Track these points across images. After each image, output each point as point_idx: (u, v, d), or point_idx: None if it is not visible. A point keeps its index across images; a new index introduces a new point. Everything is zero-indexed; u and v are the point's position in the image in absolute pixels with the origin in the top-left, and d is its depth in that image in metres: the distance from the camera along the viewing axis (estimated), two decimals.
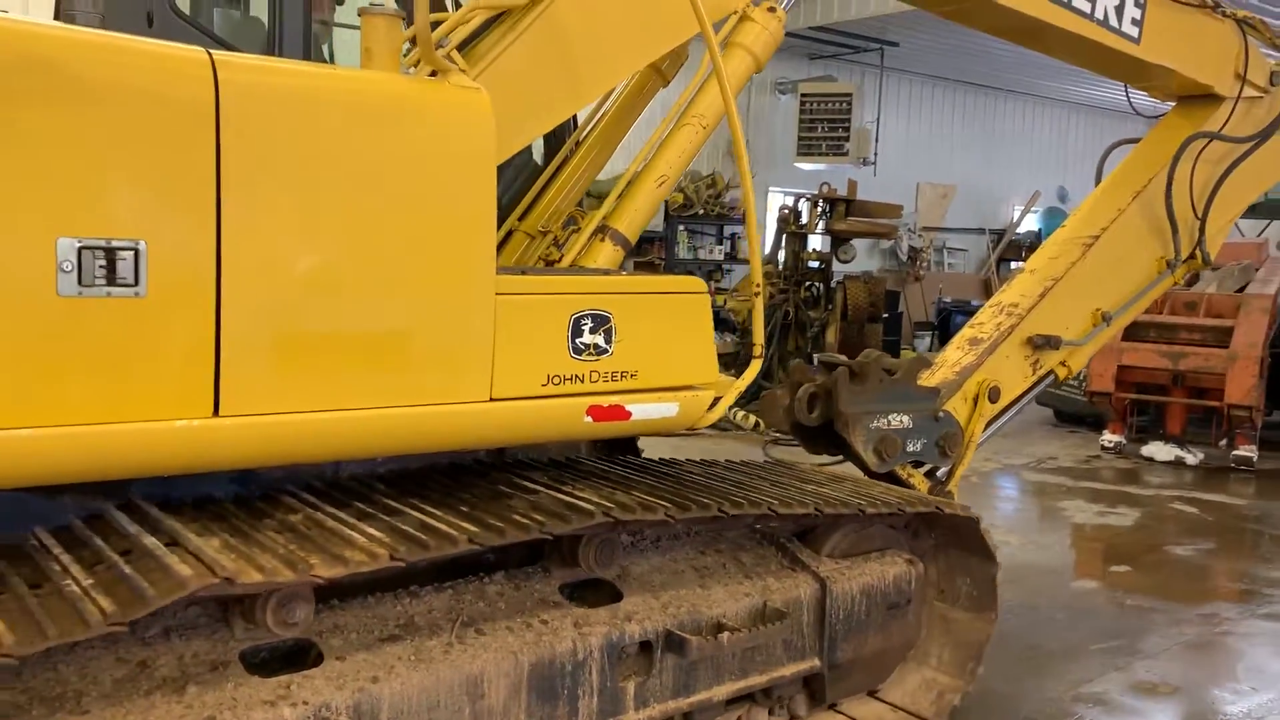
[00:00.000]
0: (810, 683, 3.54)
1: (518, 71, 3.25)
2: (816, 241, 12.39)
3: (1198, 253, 5.28)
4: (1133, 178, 5.28)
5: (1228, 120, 5.22)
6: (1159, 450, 10.31)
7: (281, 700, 2.43)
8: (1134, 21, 4.85)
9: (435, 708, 2.64)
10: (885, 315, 12.65)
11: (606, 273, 3.25)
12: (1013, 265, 18.22)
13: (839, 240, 12.06)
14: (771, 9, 3.76)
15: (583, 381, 2.84)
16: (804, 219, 11.95)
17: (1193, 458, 10.07)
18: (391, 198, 2.51)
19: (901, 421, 4.38)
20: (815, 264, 11.92)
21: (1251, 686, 4.70)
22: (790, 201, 12.28)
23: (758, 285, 3.32)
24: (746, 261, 13.50)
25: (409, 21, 2.75)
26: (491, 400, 2.70)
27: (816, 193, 12.09)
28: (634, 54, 3.56)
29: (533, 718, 2.82)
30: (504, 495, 2.99)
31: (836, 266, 12.02)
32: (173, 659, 2.40)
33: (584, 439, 3.24)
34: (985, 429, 4.73)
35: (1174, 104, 5.55)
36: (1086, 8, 4.66)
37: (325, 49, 3.91)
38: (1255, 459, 9.80)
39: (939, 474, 4.67)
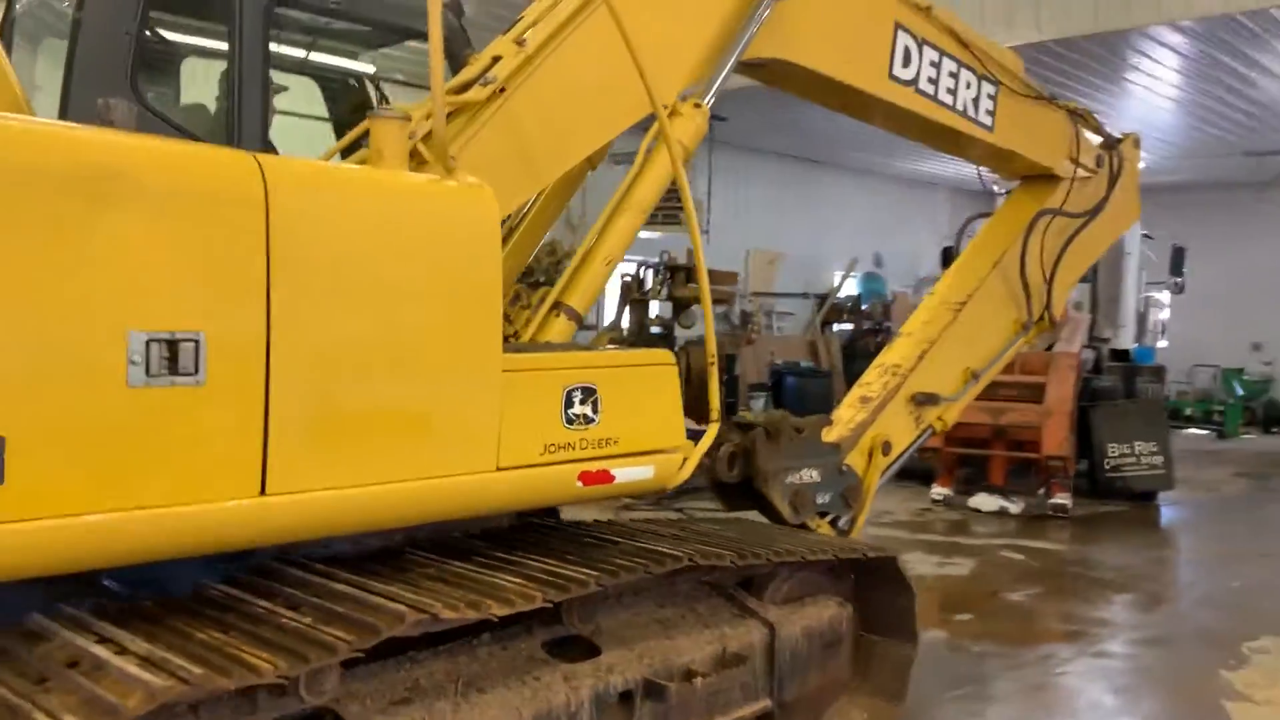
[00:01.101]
0: None
1: (481, 162, 3.46)
2: (657, 308, 12.78)
3: (1046, 314, 5.93)
4: (989, 249, 5.89)
5: (1066, 197, 5.91)
6: (984, 501, 11.05)
7: None
8: (988, 112, 5.46)
9: None
10: (724, 378, 13.18)
11: (589, 348, 3.48)
12: (834, 327, 19.23)
13: (681, 306, 12.47)
14: (697, 105, 4.10)
15: (574, 449, 3.05)
16: (647, 286, 12.34)
17: (1015, 507, 10.85)
18: (413, 286, 2.67)
19: (811, 476, 4.75)
20: (658, 330, 12.29)
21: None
22: (634, 269, 12.65)
23: (712, 356, 3.62)
24: (593, 327, 13.82)
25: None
26: (498, 470, 2.87)
27: (659, 260, 12.50)
28: (584, 142, 3.83)
29: None
30: (496, 566, 3.13)
31: (679, 332, 12.42)
32: None
33: (575, 502, 3.42)
34: (879, 479, 5.16)
35: (1018, 183, 6.22)
36: (950, 100, 5.23)
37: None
38: (1070, 506, 10.70)
39: (840, 523, 5.06)
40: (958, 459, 11.19)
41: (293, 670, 2.27)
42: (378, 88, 4.71)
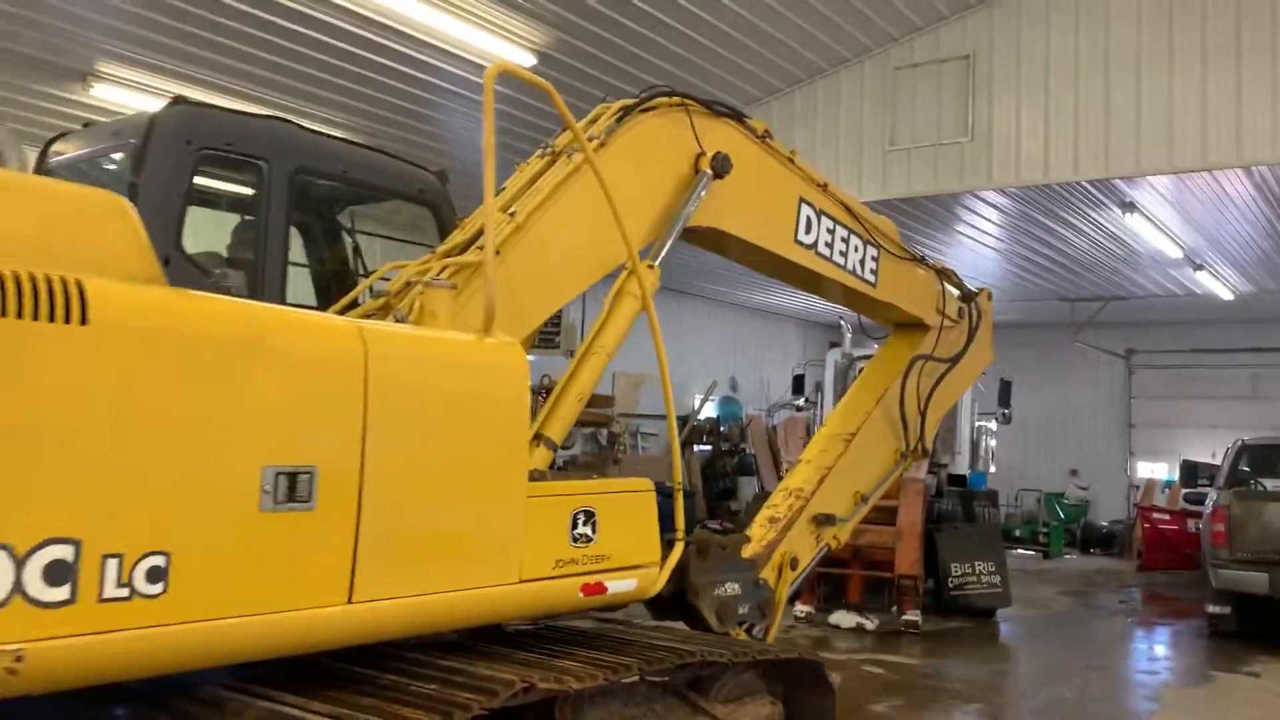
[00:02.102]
0: None
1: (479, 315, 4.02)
2: None
3: (920, 445, 6.77)
4: (872, 387, 6.73)
5: (936, 343, 6.83)
6: (843, 618, 11.77)
7: None
8: (872, 271, 6.35)
9: None
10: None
11: (587, 478, 4.03)
12: (695, 448, 20.05)
13: None
14: (651, 266, 4.78)
15: (578, 564, 3.57)
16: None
17: (870, 623, 11.61)
18: (462, 426, 3.18)
19: (734, 589, 5.33)
20: None
21: None
22: None
23: (678, 482, 4.21)
24: None
25: None
26: (521, 582, 3.37)
27: (539, 382, 13.03)
28: (563, 294, 4.44)
29: None
30: (514, 660, 3.57)
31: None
32: None
33: (577, 611, 3.89)
34: (788, 590, 5.79)
35: (892, 329, 7.12)
36: (842, 261, 6.09)
37: None
38: (920, 622, 11.55)
39: (755, 632, 5.64)
40: (818, 577, 11.87)
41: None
42: (353, 237, 5.23)
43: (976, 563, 12.46)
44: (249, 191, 4.21)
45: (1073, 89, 11.63)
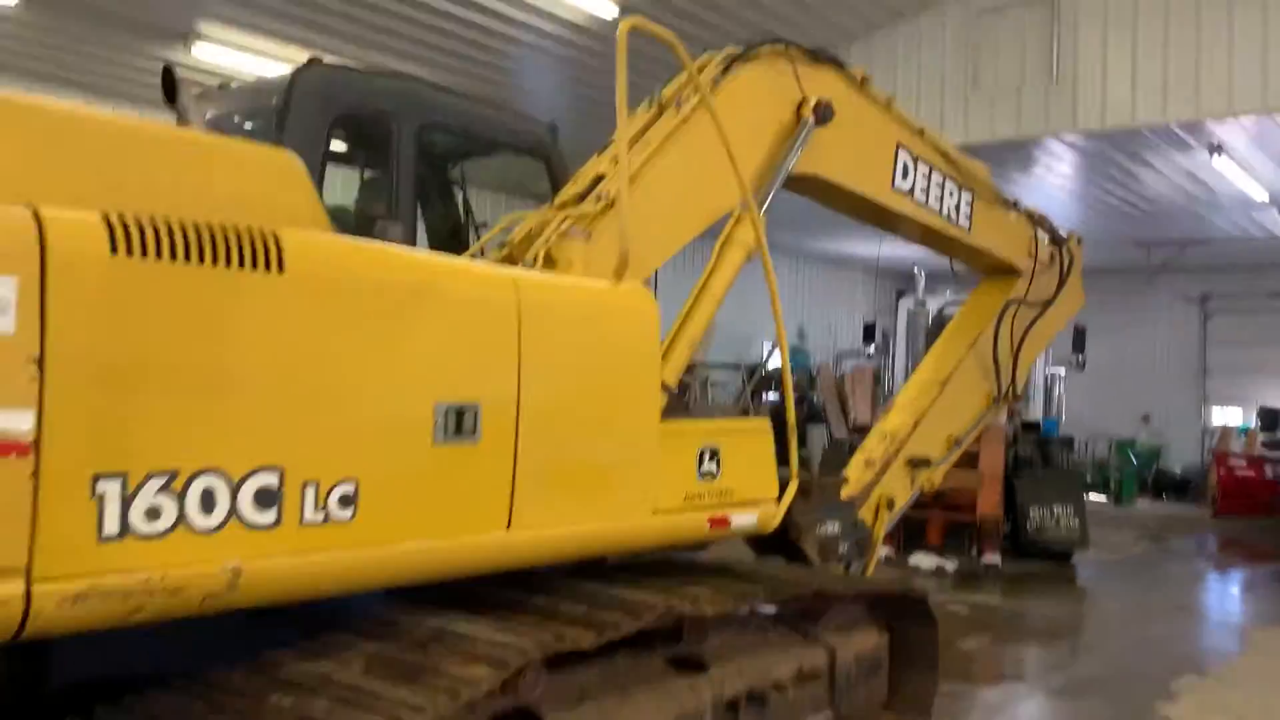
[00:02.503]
0: None
1: (596, 264, 4.18)
2: None
3: (1011, 389, 6.84)
4: (964, 333, 6.80)
5: (1028, 288, 6.87)
6: (923, 560, 11.93)
7: None
8: (966, 216, 6.40)
9: None
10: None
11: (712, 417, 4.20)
12: (765, 396, 20.16)
13: None
14: (754, 218, 4.89)
15: (704, 499, 3.76)
16: None
17: (950, 565, 11.77)
18: (603, 367, 3.38)
19: (834, 529, 5.50)
20: None
21: None
22: None
23: (793, 424, 4.37)
24: None
25: None
26: (654, 514, 3.57)
27: None
28: (672, 242, 4.57)
29: None
30: (647, 587, 3.77)
31: None
32: None
33: (703, 542, 4.09)
34: (883, 531, 5.95)
35: (983, 275, 7.17)
36: (938, 207, 6.15)
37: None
38: (999, 564, 11.67)
39: (852, 569, 5.81)
40: (900, 521, 12.04)
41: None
42: (464, 190, 5.41)
43: (1055, 506, 12.51)
44: (379, 148, 4.39)
45: (1162, 28, 11.40)
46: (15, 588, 2.11)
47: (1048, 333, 7.27)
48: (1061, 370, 18.23)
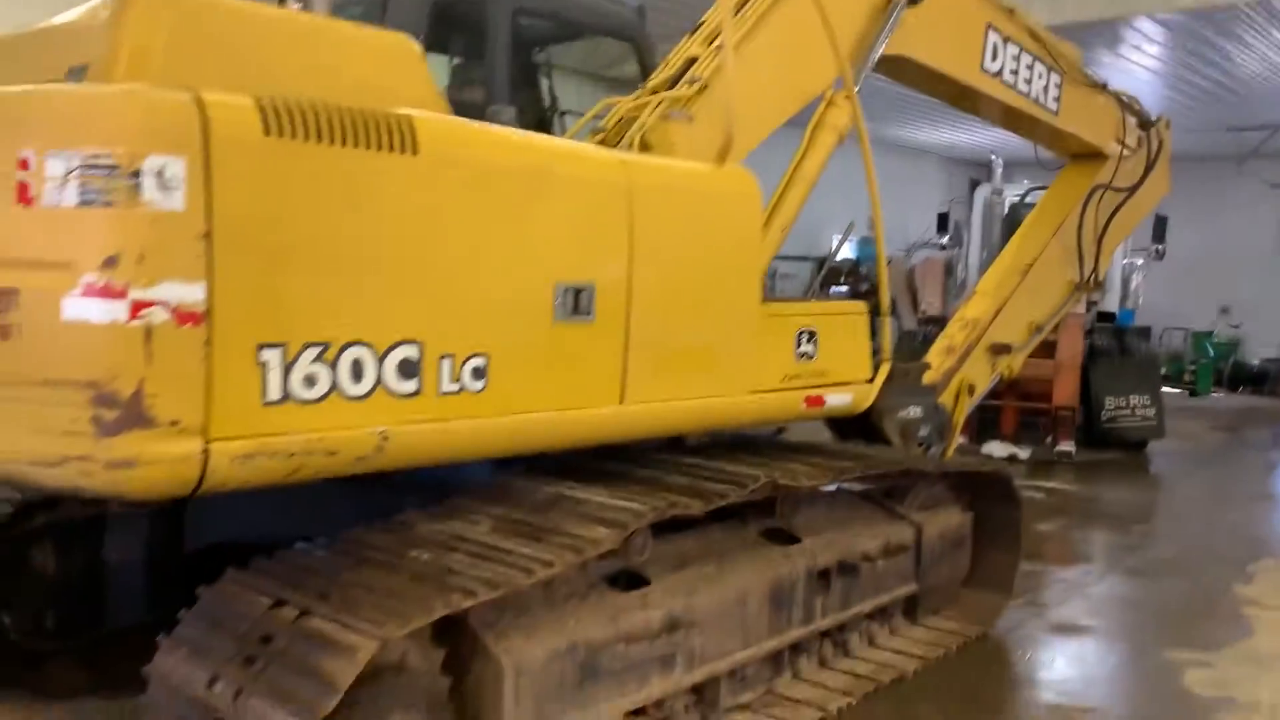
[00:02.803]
0: (907, 603, 4.69)
1: (691, 147, 4.25)
2: None
3: (1093, 275, 6.83)
4: (1048, 219, 6.77)
5: (1114, 173, 6.79)
6: (996, 448, 11.97)
7: (640, 608, 3.35)
8: (1055, 99, 6.32)
9: (724, 614, 3.62)
10: None
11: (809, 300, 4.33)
12: (833, 289, 20.08)
13: None
14: (849, 96, 4.91)
15: (801, 378, 3.90)
16: None
17: (1023, 453, 11.82)
18: (709, 249, 3.50)
19: (917, 412, 5.61)
20: None
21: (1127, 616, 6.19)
22: None
23: (885, 308, 4.46)
24: None
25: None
26: (753, 392, 3.71)
27: None
28: (766, 124, 4.59)
29: (767, 622, 3.84)
30: (744, 461, 3.94)
31: None
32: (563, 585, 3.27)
33: (799, 421, 4.25)
34: (963, 416, 6.06)
35: (1068, 159, 7.09)
36: (1026, 89, 6.08)
37: None
38: (1073, 452, 11.70)
39: (932, 452, 5.93)
40: (973, 411, 12.08)
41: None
42: (549, 75, 5.45)
43: (1131, 396, 12.44)
44: (476, 34, 4.45)
45: None
46: (195, 445, 2.32)
47: (1132, 219, 7.20)
48: (1140, 260, 17.88)
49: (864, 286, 20.22)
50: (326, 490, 2.93)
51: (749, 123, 4.56)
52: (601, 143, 4.27)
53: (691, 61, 4.45)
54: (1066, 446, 11.73)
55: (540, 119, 5.39)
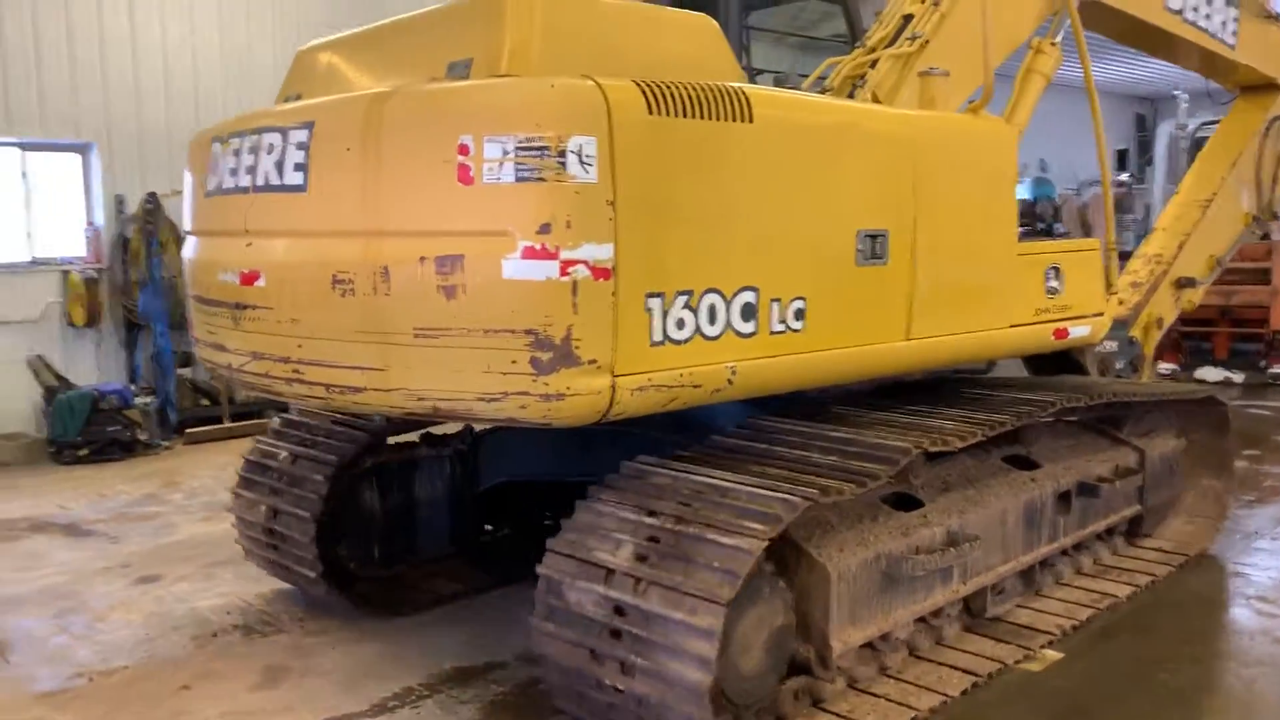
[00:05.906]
0: (1130, 523, 4.95)
1: (912, 99, 4.50)
2: None
3: (1270, 209, 6.91)
4: (1223, 153, 6.85)
5: None
6: (1209, 373, 11.80)
7: (923, 525, 3.69)
8: (1233, 33, 6.40)
9: (989, 531, 3.94)
10: None
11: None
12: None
13: None
14: (1053, 43, 5.11)
15: (1050, 312, 4.19)
16: None
17: (1237, 377, 11.70)
18: (976, 195, 3.79)
19: (1112, 346, 5.81)
20: None
21: None
22: None
23: (1112, 244, 4.70)
24: None
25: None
26: (1010, 327, 4.01)
27: None
28: (978, 74, 4.82)
29: (1022, 539, 4.14)
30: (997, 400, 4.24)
31: None
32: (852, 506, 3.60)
33: (1047, 351, 4.53)
34: (1153, 348, 6.25)
35: (1239, 93, 7.13)
36: (1208, 25, 6.19)
37: None
38: None
39: None
40: (1182, 336, 11.86)
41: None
42: (746, 36, 5.73)
43: None
44: (704, 4, 4.75)
45: None
46: (606, 381, 2.72)
47: None
48: None
49: (1040, 225, 20.11)
50: (594, 433, 3.29)
51: (963, 75, 4.82)
52: None
53: (908, 19, 4.69)
54: None
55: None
